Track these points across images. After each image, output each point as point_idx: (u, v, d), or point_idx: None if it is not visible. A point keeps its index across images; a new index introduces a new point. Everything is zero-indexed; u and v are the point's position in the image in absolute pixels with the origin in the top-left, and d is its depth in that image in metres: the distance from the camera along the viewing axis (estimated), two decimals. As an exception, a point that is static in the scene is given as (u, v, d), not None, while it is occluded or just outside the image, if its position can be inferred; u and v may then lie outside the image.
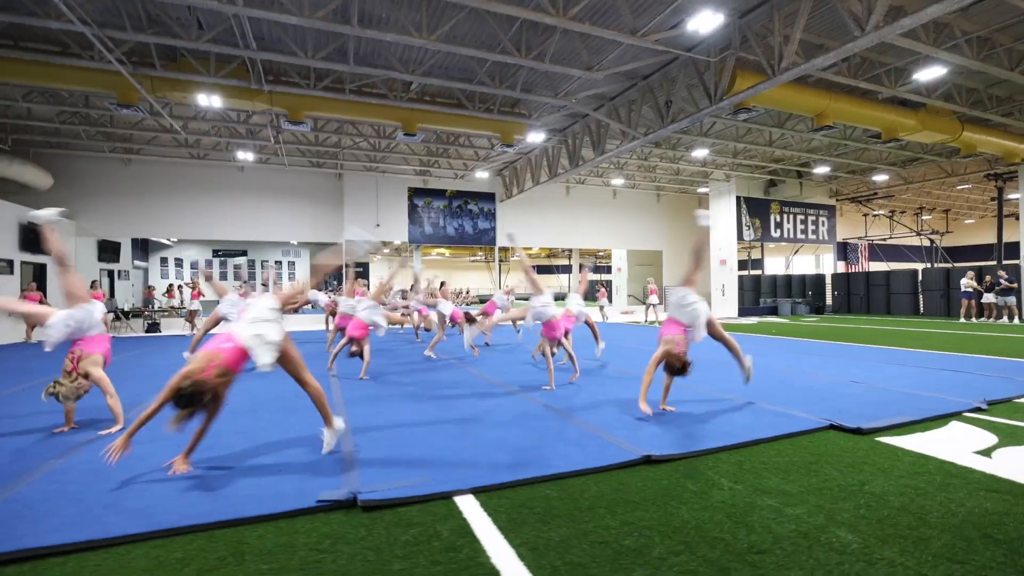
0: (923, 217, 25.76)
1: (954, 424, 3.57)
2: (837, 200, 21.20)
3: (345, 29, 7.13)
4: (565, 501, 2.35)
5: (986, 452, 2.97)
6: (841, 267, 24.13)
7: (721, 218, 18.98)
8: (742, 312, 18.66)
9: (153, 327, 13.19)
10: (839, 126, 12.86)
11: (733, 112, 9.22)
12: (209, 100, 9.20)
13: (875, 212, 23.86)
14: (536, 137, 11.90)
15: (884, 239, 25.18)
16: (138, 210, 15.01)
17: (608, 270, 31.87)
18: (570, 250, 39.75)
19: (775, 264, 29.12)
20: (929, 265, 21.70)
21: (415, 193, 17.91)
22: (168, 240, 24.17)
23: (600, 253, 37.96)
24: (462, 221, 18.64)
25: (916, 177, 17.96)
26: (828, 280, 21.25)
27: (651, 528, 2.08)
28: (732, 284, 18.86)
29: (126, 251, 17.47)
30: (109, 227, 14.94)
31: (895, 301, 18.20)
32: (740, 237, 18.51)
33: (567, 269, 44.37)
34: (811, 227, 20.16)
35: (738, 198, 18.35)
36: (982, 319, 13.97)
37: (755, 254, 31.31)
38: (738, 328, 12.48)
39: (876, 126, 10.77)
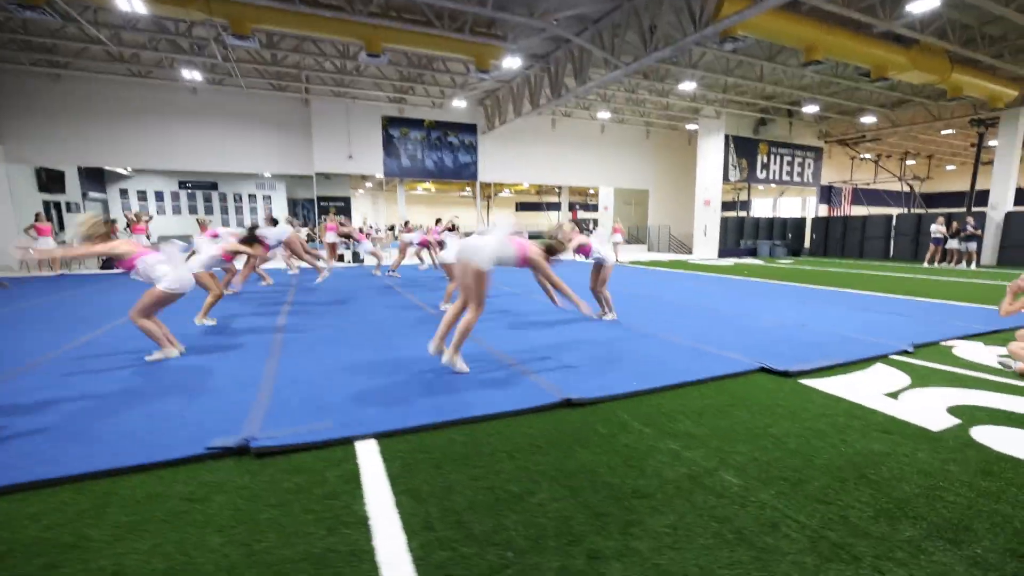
0: (907, 162, 25.49)
1: (877, 367, 3.72)
2: (826, 142, 20.74)
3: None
4: (468, 446, 2.37)
5: (894, 394, 3.11)
6: (824, 211, 24.15)
7: (708, 158, 18.54)
8: (722, 253, 18.82)
9: (108, 263, 12.67)
10: (830, 62, 12.24)
11: (720, 41, 8.64)
12: (131, 4, 8.20)
13: (862, 155, 23.50)
14: (512, 63, 11.11)
15: (868, 184, 25.06)
16: (77, 135, 13.67)
17: (596, 208, 31.45)
18: (559, 188, 39.09)
19: (764, 206, 29.02)
20: (905, 211, 21.85)
21: (390, 123, 16.95)
22: (124, 170, 22.73)
23: (591, 191, 37.31)
24: (441, 154, 17.89)
25: (904, 120, 17.56)
26: (808, 224, 21.33)
27: (543, 473, 2.12)
28: (714, 225, 18.85)
29: (72, 181, 16.32)
30: (46, 154, 13.66)
31: (868, 245, 18.50)
32: (726, 178, 18.21)
33: (556, 207, 43.76)
34: (797, 169, 19.88)
35: (726, 137, 17.81)
36: (943, 264, 14.28)
37: (744, 196, 31.08)
38: (712, 269, 12.61)
39: (867, 63, 10.27)
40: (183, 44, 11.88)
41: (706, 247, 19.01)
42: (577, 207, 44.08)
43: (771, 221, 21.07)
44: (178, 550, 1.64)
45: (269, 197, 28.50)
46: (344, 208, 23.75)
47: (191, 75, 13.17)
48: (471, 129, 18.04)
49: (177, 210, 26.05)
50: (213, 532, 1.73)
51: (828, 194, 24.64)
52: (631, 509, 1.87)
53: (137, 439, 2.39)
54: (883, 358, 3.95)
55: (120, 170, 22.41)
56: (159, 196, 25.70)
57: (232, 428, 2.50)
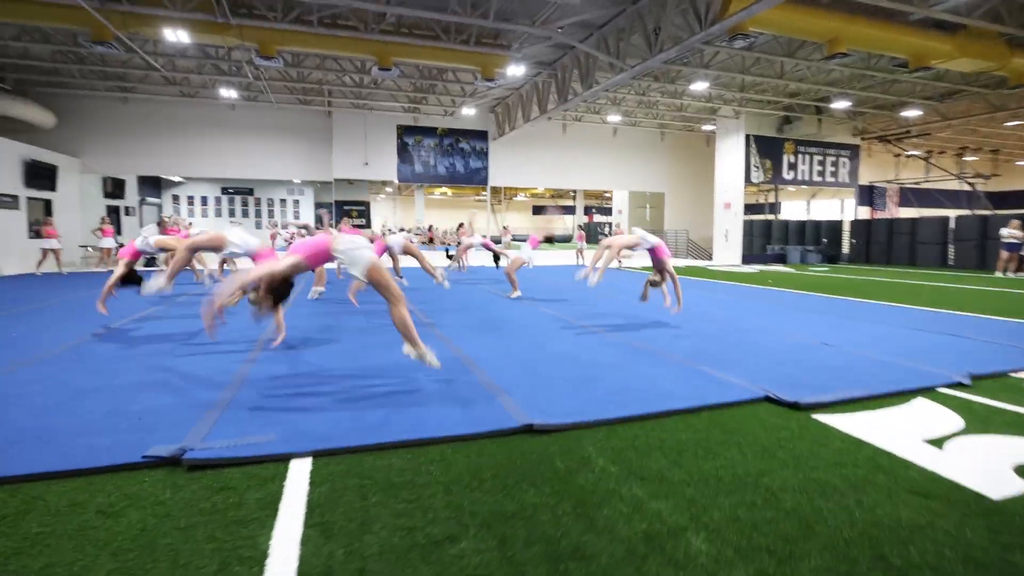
0: (966, 158, 23.39)
1: (919, 402, 3.13)
2: (863, 139, 19.53)
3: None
4: (405, 473, 2.17)
5: (938, 442, 2.48)
6: (865, 213, 22.68)
7: (728, 159, 17.78)
8: (746, 259, 17.90)
9: (151, 262, 13.42)
10: (860, 55, 11.46)
11: (728, 39, 8.16)
12: (176, 35, 8.85)
13: (908, 152, 21.91)
14: (516, 70, 10.96)
15: (918, 183, 23.13)
16: (138, 148, 15.27)
17: (610, 212, 30.85)
18: (574, 191, 38.66)
19: (795, 209, 27.51)
20: (965, 212, 19.98)
21: (405, 131, 17.22)
22: (178, 178, 24.53)
23: (607, 195, 36.70)
24: (453, 160, 17.98)
25: (956, 113, 16.16)
26: (846, 227, 20.03)
27: (476, 515, 1.87)
28: (737, 229, 17.97)
29: (131, 188, 17.87)
30: (112, 164, 15.30)
31: (921, 251, 16.77)
32: (748, 179, 17.38)
33: (572, 210, 43.28)
34: (830, 169, 18.78)
35: (747, 136, 17.02)
36: (1020, 274, 12.26)
37: (772, 197, 29.53)
38: (732, 276, 11.94)
39: (902, 52, 9.49)
40: (223, 67, 12.82)
41: (728, 252, 18.15)
42: (593, 210, 43.51)
43: (802, 224, 19.98)
44: (66, 573, 1.56)
45: (298, 201, 29.84)
46: (364, 212, 24.24)
47: (228, 93, 14.25)
48: (482, 135, 18.06)
49: (219, 213, 27.89)
50: (107, 556, 1.64)
51: (870, 195, 23.15)
52: (532, 576, 1.56)
53: (88, 441, 2.39)
54: (928, 391, 3.24)
55: (174, 178, 24.21)
56: (204, 201, 27.59)
57: (178, 433, 2.46)
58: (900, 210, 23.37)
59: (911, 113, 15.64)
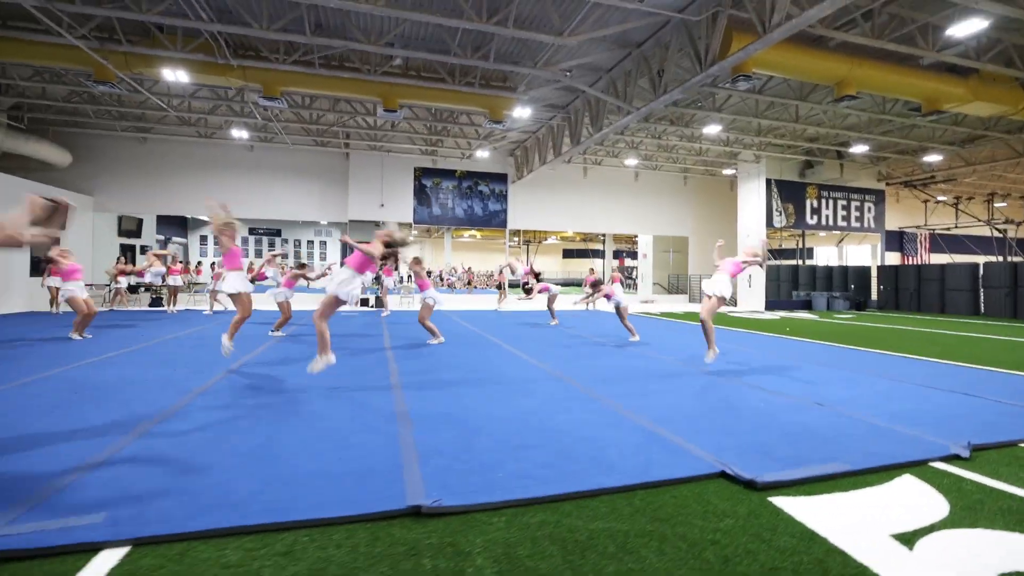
0: (995, 204, 22.54)
1: (903, 480, 2.67)
2: (887, 184, 18.90)
3: (285, -4, 6.70)
4: (234, 570, 1.80)
5: (910, 538, 2.05)
6: (895, 258, 21.68)
7: (749, 204, 17.42)
8: (770, 305, 17.15)
9: (156, 301, 13.58)
10: (877, 98, 11.20)
11: (732, 80, 8.07)
12: (175, 75, 9.15)
13: (938, 199, 21.14)
14: (523, 112, 11.12)
15: (948, 229, 22.30)
16: (155, 187, 15.64)
17: (635, 256, 30.52)
18: (603, 235, 38.66)
19: (829, 254, 26.55)
20: (995, 259, 18.98)
21: (423, 173, 17.59)
22: (205, 217, 25.43)
23: (636, 239, 36.52)
24: (472, 202, 18.17)
25: (980, 158, 15.59)
26: (874, 273, 19.13)
27: None
28: (760, 275, 17.32)
29: (149, 227, 18.27)
30: (128, 203, 15.68)
31: (950, 298, 16.06)
32: (770, 223, 16.91)
33: (601, 254, 43.20)
34: (855, 213, 18.14)
35: (768, 181, 16.69)
36: None
37: (807, 242, 28.56)
38: (750, 324, 11.35)
39: (913, 96, 9.21)
40: (236, 108, 13.24)
41: (751, 299, 17.45)
42: (624, 254, 43.26)
43: (829, 270, 19.15)
44: None
45: (325, 242, 30.73)
46: (391, 253, 24.72)
47: (239, 134, 14.62)
48: (502, 178, 18.27)
49: (246, 254, 28.73)
50: None
51: (900, 240, 22.23)
52: None
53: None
54: (918, 466, 2.82)
55: (201, 217, 25.05)
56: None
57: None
58: (932, 256, 22.31)
59: (933, 158, 15.09)
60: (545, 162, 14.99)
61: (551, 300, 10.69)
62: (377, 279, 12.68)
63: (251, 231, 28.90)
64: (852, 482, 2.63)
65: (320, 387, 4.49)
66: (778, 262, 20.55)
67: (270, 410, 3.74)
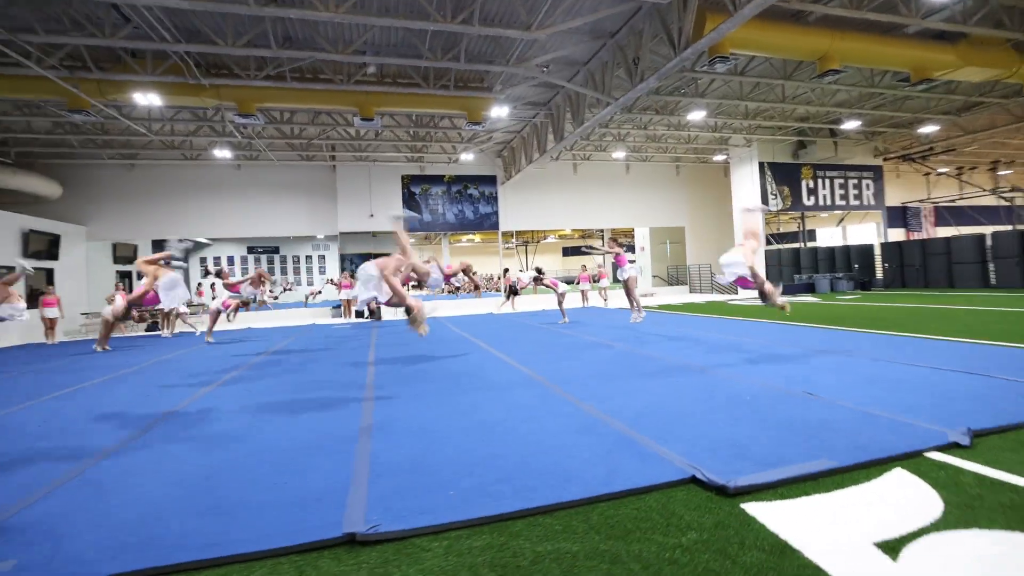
0: (1000, 172, 22.04)
1: (893, 475, 2.41)
2: (884, 159, 18.52)
3: (242, 9, 6.58)
4: None
5: (895, 546, 1.81)
6: (899, 235, 21.23)
7: (743, 188, 17.13)
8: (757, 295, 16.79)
9: (153, 326, 13.54)
10: (865, 72, 10.91)
11: (709, 62, 7.84)
12: (147, 99, 9.05)
13: (939, 171, 20.69)
14: (501, 111, 10.96)
15: (952, 201, 21.82)
16: (146, 213, 15.66)
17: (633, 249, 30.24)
18: (601, 231, 38.42)
19: (833, 235, 26.09)
20: (1006, 228, 18.49)
21: (411, 181, 17.47)
22: (205, 239, 25.48)
23: (633, 232, 36.20)
24: (462, 206, 18.03)
25: (979, 126, 15.19)
26: (877, 250, 18.73)
27: None
28: (759, 261, 16.96)
29: (144, 252, 18.29)
30: (121, 230, 15.68)
31: (958, 272, 15.64)
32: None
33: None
34: (853, 192, 17.78)
35: (761, 164, 16.40)
36: None
37: (807, 224, 28.07)
38: (748, 312, 11.06)
39: (900, 66, 8.94)
40: (217, 128, 13.12)
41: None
42: (624, 248, 43.04)
43: (831, 251, 18.78)
44: None
45: (324, 256, 30.75)
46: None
47: (222, 154, 14.60)
48: (491, 180, 18.12)
49: (246, 272, 28.79)
50: None
51: (903, 216, 21.78)
52: None
53: None
54: (912, 458, 2.55)
55: (201, 240, 25.11)
56: (231, 260, 28.56)
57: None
58: (939, 230, 21.82)
59: (929, 129, 14.73)
60: (531, 161, 14.81)
61: (561, 298, 10.64)
62: None
63: (249, 249, 28.80)
64: (836, 481, 2.40)
65: (282, 404, 4.30)
66: (779, 246, 20.17)
67: (221, 438, 3.56)
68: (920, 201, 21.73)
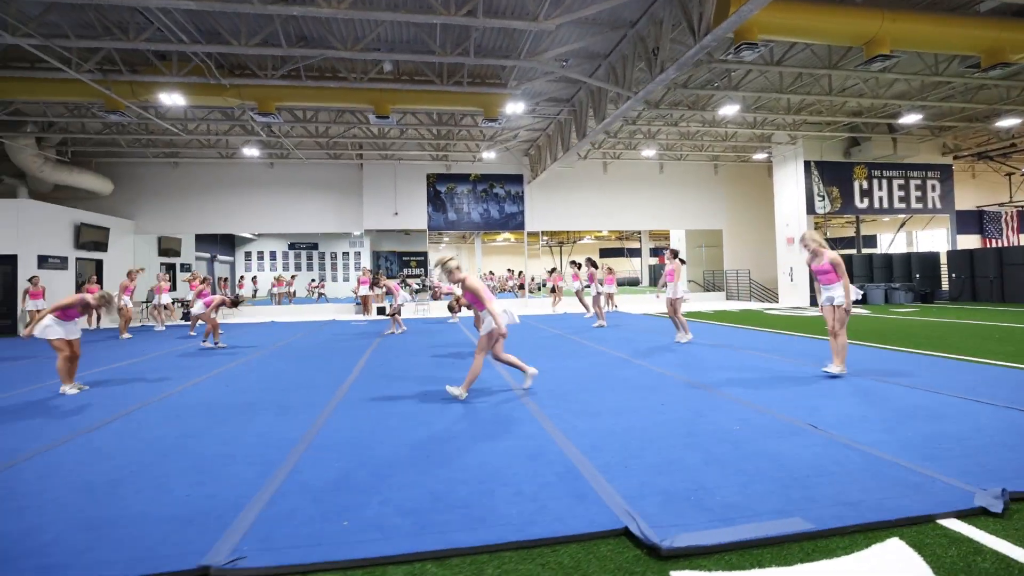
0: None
1: (887, 548, 1.84)
2: (955, 158, 16.65)
3: (247, 8, 6.60)
4: None
5: None
6: (973, 242, 19.09)
7: (787, 188, 15.88)
8: (814, 301, 15.45)
9: (187, 316, 14.12)
10: (927, 58, 9.74)
11: (735, 50, 7.14)
12: (172, 99, 9.37)
13: (1022, 170, 18.41)
14: (516, 108, 10.58)
15: (1040, 204, 19.35)
16: (188, 208, 16.52)
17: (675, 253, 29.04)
18: (639, 232, 37.21)
19: (897, 241, 23.87)
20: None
21: (437, 179, 17.44)
22: (250, 235, 26.76)
23: (669, 234, 34.86)
24: (488, 205, 17.81)
25: (1072, 118, 13.26)
26: (943, 259, 16.89)
27: None
28: (803, 268, 15.71)
29: (188, 246, 19.37)
30: (166, 225, 16.64)
31: (1041, 286, 13.82)
32: (811, 210, 15.31)
33: (638, 252, 41.81)
34: (915, 193, 16.09)
35: (807, 163, 15.14)
36: None
37: (868, 229, 25.79)
38: (788, 323, 10.14)
39: (966, 50, 7.82)
40: (248, 127, 13.57)
41: (794, 295, 15.85)
42: (663, 251, 41.50)
43: (888, 258, 17.09)
44: None
45: (359, 252, 31.55)
46: (422, 262, 24.95)
47: (251, 152, 15.11)
48: (517, 179, 17.79)
49: (286, 267, 29.97)
50: None
51: (980, 221, 19.56)
52: None
53: None
54: (918, 523, 2.03)
55: (246, 235, 26.34)
56: (272, 256, 29.80)
57: None
58: (1021, 237, 19.44)
59: (1008, 123, 12.96)
60: (556, 159, 14.35)
61: (595, 300, 10.56)
62: (388, 292, 12.35)
63: (291, 246, 29.99)
64: (806, 549, 1.91)
65: (245, 405, 4.15)
66: (842, 251, 18.56)
67: (165, 439, 3.42)
68: (1000, 204, 19.43)
